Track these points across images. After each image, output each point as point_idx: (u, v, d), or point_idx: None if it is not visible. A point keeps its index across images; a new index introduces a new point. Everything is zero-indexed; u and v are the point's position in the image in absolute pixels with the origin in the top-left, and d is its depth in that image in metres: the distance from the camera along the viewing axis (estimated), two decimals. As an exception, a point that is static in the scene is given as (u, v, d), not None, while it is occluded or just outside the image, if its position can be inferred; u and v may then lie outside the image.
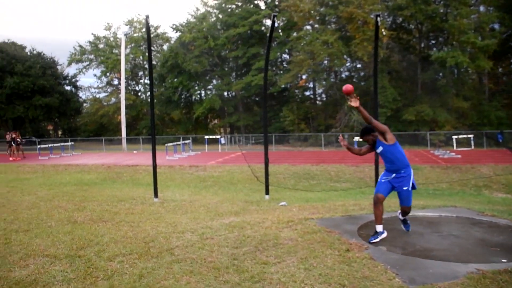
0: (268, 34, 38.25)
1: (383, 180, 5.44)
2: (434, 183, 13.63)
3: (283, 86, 40.60)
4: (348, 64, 40.34)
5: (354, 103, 5.31)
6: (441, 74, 36.66)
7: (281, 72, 42.77)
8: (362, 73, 41.36)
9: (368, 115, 5.32)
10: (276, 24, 33.31)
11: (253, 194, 11.04)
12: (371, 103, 34.06)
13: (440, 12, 33.48)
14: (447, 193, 12.15)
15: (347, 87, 5.56)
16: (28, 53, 43.31)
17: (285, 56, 44.83)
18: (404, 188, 5.28)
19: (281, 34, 40.96)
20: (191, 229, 6.34)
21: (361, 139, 5.71)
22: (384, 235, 5.28)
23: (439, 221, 6.40)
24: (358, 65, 40.81)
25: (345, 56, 37.01)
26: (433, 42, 39.56)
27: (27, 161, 22.13)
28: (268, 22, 42.57)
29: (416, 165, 16.90)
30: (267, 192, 9.78)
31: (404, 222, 5.70)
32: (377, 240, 5.20)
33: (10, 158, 24.00)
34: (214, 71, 46.17)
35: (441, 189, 12.90)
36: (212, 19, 46.25)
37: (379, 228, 5.30)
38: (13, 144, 24.53)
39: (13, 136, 24.79)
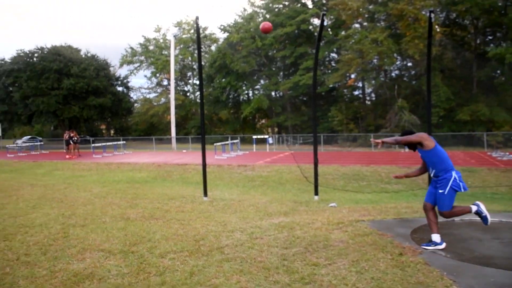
0: (316, 33, 37.76)
1: (429, 187, 5.30)
2: (493, 187, 12.99)
3: (331, 85, 40.07)
4: (398, 62, 39.28)
5: (378, 143, 5.24)
6: (499, 71, 34.93)
7: (329, 71, 42.25)
8: (413, 72, 40.15)
9: (393, 140, 5.25)
10: (324, 23, 33.05)
11: (302, 194, 10.97)
12: (422, 102, 33.06)
13: (498, 6, 31.94)
14: (507, 197, 11.54)
15: (264, 25, 5.30)
16: (83, 56, 45.05)
17: (333, 55, 44.23)
18: (440, 191, 5.03)
19: (330, 33, 40.46)
20: (240, 228, 6.36)
21: None
22: (442, 246, 5.00)
23: (500, 227, 6.05)
24: (409, 64, 39.66)
25: (395, 55, 36.04)
26: (490, 38, 37.74)
27: (82, 159, 23.03)
28: (316, 21, 42.18)
29: (471, 167, 16.22)
30: (316, 193, 9.68)
31: (479, 215, 5.26)
32: (430, 248, 4.97)
33: (67, 156, 25.05)
34: (262, 71, 46.28)
35: (501, 193, 12.27)
36: (260, 19, 46.37)
37: (435, 237, 5.05)
38: (71, 143, 25.61)
39: (71, 135, 25.90)
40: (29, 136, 47.92)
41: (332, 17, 39.25)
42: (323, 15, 9.52)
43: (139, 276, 4.52)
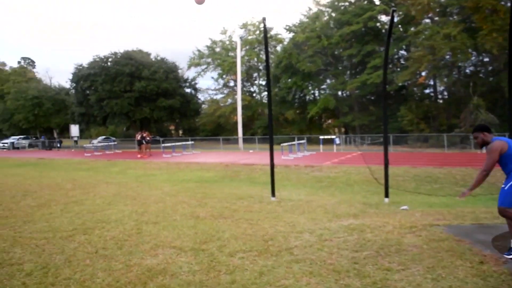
0: (384, 30, 36.65)
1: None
2: None
3: (400, 84, 38.77)
4: (473, 58, 37.24)
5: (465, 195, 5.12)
6: None
7: (399, 69, 40.92)
8: (490, 68, 37.90)
9: (482, 175, 4.90)
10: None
11: (371, 196, 10.67)
12: (501, 100, 31.03)
13: None
14: None
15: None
16: (153, 59, 46.85)
17: (403, 52, 42.79)
18: (502, 186, 4.75)
19: (401, 29, 39.14)
20: (309, 229, 6.29)
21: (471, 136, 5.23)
22: None
23: None
24: (486, 59, 37.49)
25: (470, 50, 34.19)
26: None
27: (153, 158, 23.92)
28: (383, 18, 41.03)
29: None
30: (386, 195, 9.37)
31: None
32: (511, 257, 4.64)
33: (138, 156, 26.14)
34: (328, 70, 45.73)
35: None
36: (325, 18, 45.81)
37: None
38: (143, 143, 26.71)
39: (143, 135, 27.01)
40: (103, 137, 50.64)
41: (400, 12, 37.94)
42: (393, 11, 9.19)
43: (209, 274, 4.59)
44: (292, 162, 19.17)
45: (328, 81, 47.04)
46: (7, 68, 79.93)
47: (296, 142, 25.95)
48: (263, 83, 54.09)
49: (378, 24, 41.07)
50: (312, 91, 47.58)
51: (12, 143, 46.64)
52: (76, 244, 6.06)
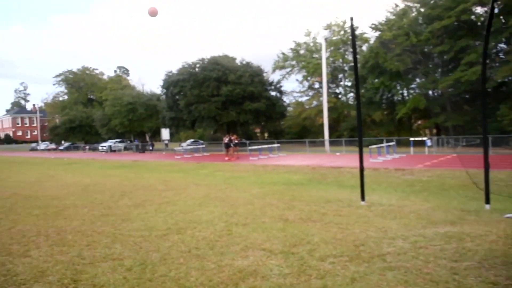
0: (479, 23, 34.11)
1: None
2: None
3: (500, 80, 35.87)
4: None
5: None
6: None
7: (497, 64, 37.91)
8: None
9: None
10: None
11: (469, 202, 9.95)
12: None
13: None
14: None
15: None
16: (239, 64, 47.88)
17: (502, 45, 39.54)
18: None
19: (503, 20, 36.20)
20: (402, 236, 6.00)
21: None
22: None
23: None
24: None
25: None
26: None
27: (240, 161, 24.39)
28: (479, 10, 38.21)
29: None
30: (487, 201, 8.67)
31: None
32: None
33: (226, 158, 26.80)
34: (417, 69, 43.66)
35: None
36: (413, 14, 43.80)
37: None
38: (231, 146, 27.33)
39: (231, 138, 27.64)
40: (192, 140, 52.71)
41: (499, 2, 35.04)
42: (493, 1, 8.46)
43: (300, 277, 4.54)
44: (381, 165, 18.53)
45: (418, 80, 44.88)
46: (105, 77, 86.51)
47: (384, 144, 25.06)
48: (349, 84, 53.05)
49: (472, 16, 38.36)
50: (401, 91, 45.73)
51: (110, 146, 50.18)
52: (170, 243, 6.32)
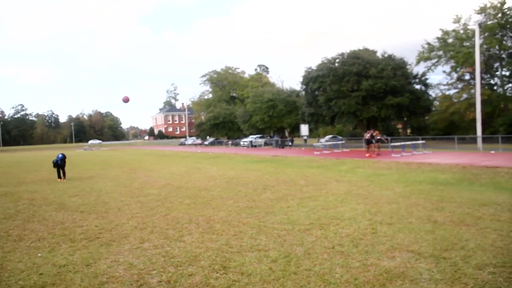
0: None
1: None
2: None
3: None
4: None
5: None
6: None
7: None
8: None
9: None
10: None
11: None
12: None
13: None
14: None
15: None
16: (380, 57, 46.08)
17: None
18: None
19: None
20: None
21: None
22: None
23: None
24: None
25: None
26: None
27: (381, 158, 23.52)
28: None
29: None
30: None
31: None
32: None
33: (366, 155, 26.06)
34: None
35: None
36: None
37: None
38: (373, 142, 26.52)
39: (373, 134, 26.80)
40: (331, 135, 52.40)
41: None
42: None
43: (454, 285, 4.24)
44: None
45: None
46: (246, 75, 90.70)
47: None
48: (507, 73, 47.54)
49: None
50: None
51: (251, 141, 52.38)
52: (314, 238, 6.36)
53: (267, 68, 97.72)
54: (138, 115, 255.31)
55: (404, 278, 4.50)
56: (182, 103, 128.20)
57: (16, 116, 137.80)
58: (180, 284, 4.65)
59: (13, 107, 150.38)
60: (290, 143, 47.75)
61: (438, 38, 51.00)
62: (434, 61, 51.75)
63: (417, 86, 46.42)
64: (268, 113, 56.37)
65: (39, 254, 6.03)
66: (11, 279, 5.06)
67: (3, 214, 9.51)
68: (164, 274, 5.01)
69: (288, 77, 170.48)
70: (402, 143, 27.84)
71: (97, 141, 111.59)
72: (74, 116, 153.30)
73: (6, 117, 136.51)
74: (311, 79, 46.06)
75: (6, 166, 28.94)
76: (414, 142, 28.86)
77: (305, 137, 44.83)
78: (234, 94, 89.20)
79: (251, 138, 54.92)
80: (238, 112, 66.43)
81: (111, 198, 11.61)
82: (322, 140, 47.87)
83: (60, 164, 17.73)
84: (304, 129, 44.01)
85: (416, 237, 6.11)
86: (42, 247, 6.47)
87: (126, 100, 13.34)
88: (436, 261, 4.98)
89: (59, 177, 17.67)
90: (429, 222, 7.07)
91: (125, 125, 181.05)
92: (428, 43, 51.52)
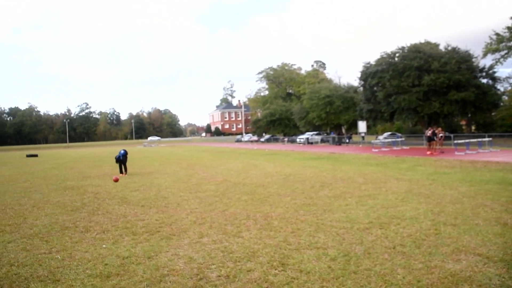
0: None
1: None
2: None
3: None
4: None
5: None
6: None
7: None
8: None
9: None
10: None
11: None
12: None
13: None
14: None
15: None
16: (443, 50, 44.16)
17: None
18: None
19: None
20: None
21: None
22: None
23: None
24: None
25: None
26: None
27: (444, 156, 22.61)
28: None
29: None
30: None
31: None
32: None
33: (428, 152, 25.12)
34: None
35: None
36: None
37: None
38: (434, 139, 25.50)
39: (435, 131, 25.74)
40: (389, 132, 50.93)
41: None
42: None
43: (527, 292, 3.97)
44: None
45: None
46: (302, 71, 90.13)
47: None
48: None
49: None
50: None
51: (307, 138, 52.00)
52: (373, 237, 6.21)
53: (324, 64, 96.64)
54: (196, 112, 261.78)
55: (471, 283, 4.29)
56: (239, 100, 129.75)
57: (81, 114, 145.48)
58: (239, 279, 4.69)
59: (78, 106, 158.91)
60: (347, 140, 46.99)
61: (508, 28, 48.04)
62: (503, 52, 48.75)
63: (484, 80, 44.06)
64: (325, 109, 55.73)
65: (104, 245, 6.31)
66: (79, 267, 5.33)
67: (71, 207, 10.04)
68: (223, 269, 5.07)
69: (346, 73, 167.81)
70: (466, 140, 26.56)
71: (156, 138, 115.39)
72: (134, 113, 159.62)
73: (72, 115, 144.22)
74: (370, 75, 45.01)
75: (72, 162, 30.58)
76: (479, 139, 27.45)
77: (362, 134, 43.87)
78: (290, 91, 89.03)
79: (307, 135, 54.59)
80: (294, 109, 66.22)
81: (170, 193, 11.94)
82: (381, 137, 46.72)
83: (122, 160, 18.47)
84: (362, 125, 43.05)
85: (483, 239, 5.80)
86: (107, 238, 6.77)
87: (116, 180, 15.11)
88: (507, 266, 4.71)
89: (121, 172, 18.41)
90: (498, 224, 6.69)
91: (183, 122, 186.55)
92: (497, 34, 48.59)
